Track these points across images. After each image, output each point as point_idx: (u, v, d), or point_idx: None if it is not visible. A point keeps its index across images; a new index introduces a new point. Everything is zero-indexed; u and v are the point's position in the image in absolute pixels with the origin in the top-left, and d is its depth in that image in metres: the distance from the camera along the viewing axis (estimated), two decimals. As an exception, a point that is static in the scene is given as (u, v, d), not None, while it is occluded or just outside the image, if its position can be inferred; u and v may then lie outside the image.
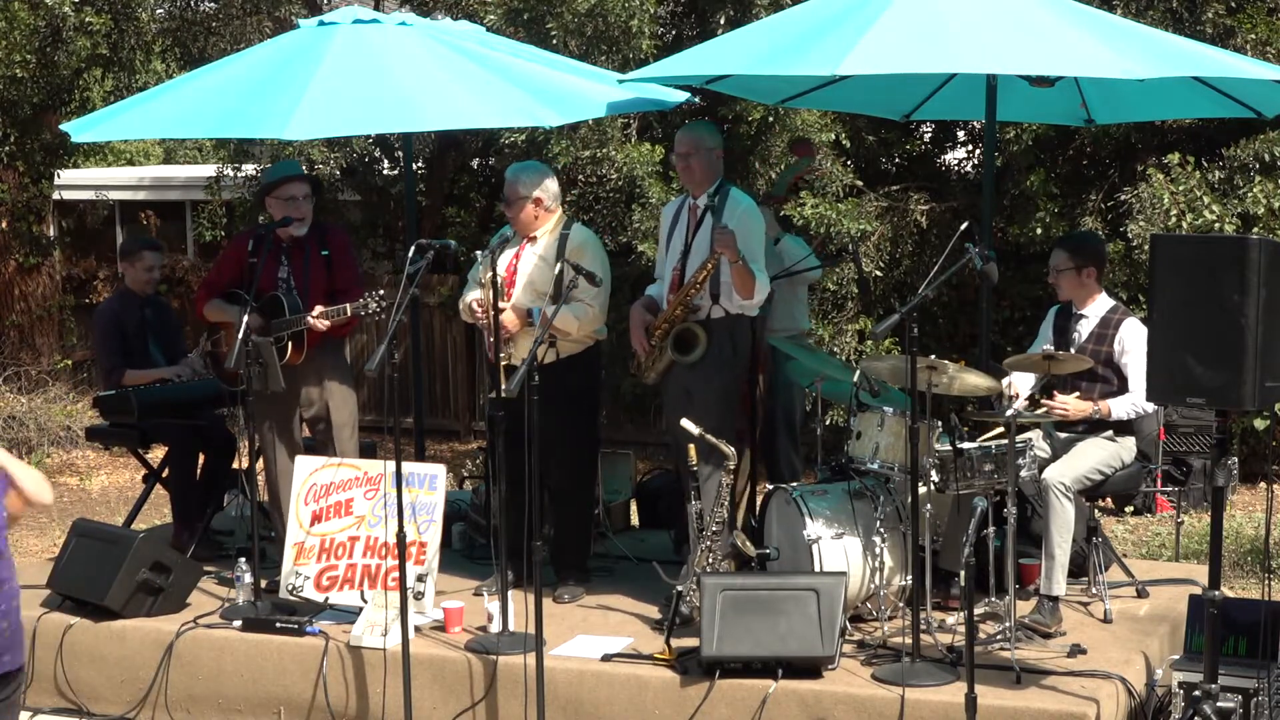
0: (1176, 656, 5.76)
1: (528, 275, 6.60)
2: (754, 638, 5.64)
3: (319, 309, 6.73)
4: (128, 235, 8.96)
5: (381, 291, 6.63)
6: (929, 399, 5.96)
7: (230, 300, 6.98)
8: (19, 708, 4.71)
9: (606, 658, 5.90)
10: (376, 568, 6.47)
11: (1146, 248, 9.47)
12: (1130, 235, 10.01)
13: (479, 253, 6.50)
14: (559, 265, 6.48)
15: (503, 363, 6.45)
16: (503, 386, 6.13)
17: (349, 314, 6.70)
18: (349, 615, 6.34)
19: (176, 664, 6.36)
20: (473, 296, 6.65)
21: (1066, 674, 5.60)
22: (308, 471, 6.72)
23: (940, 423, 6.17)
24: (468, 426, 13.96)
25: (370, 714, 6.09)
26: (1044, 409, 6.34)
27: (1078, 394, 6.36)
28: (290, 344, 6.80)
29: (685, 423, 6.13)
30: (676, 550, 7.28)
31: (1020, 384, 6.50)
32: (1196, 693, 5.09)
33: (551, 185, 6.69)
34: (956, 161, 12.41)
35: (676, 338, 6.42)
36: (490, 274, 6.34)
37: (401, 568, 5.78)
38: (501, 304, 6.42)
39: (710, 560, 6.12)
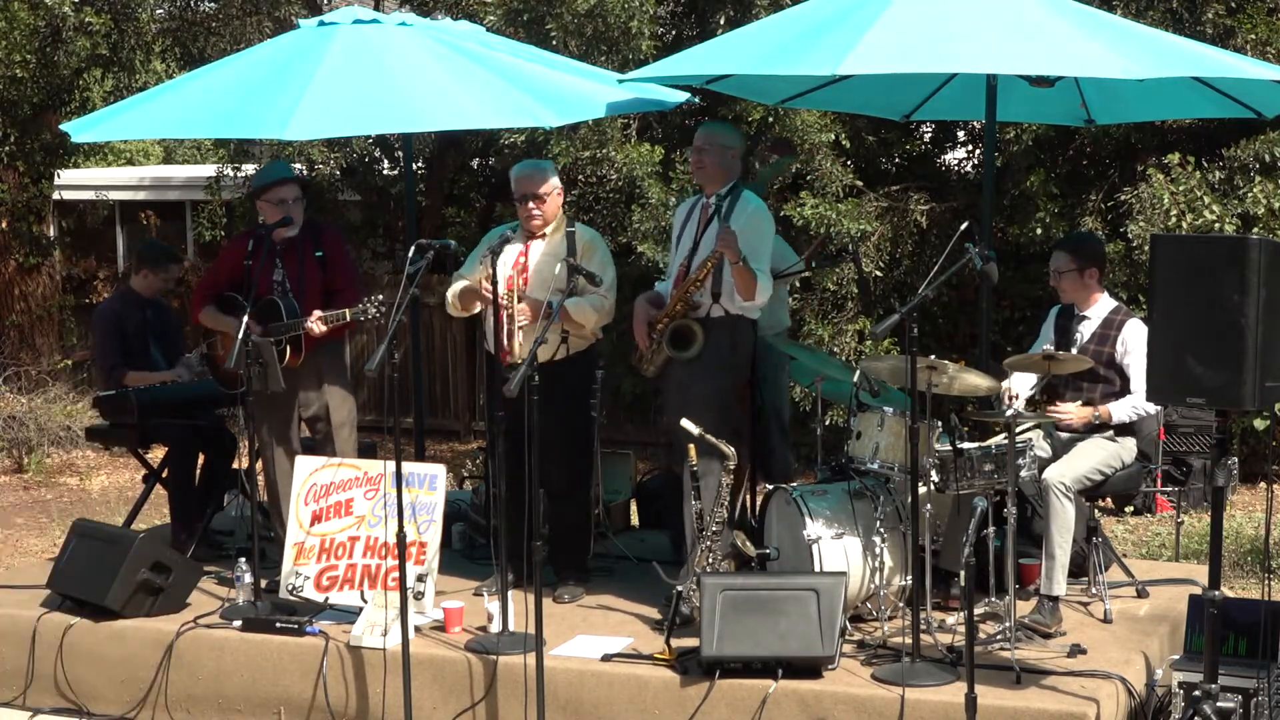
0: (1176, 656, 5.77)
1: (541, 272, 6.58)
2: (754, 638, 5.63)
3: (317, 313, 6.73)
4: (151, 243, 8.97)
5: (380, 296, 6.63)
6: (929, 399, 5.96)
7: (224, 306, 6.97)
8: None
9: (606, 658, 5.90)
10: (376, 568, 6.47)
11: (1146, 248, 9.48)
12: (1130, 235, 10.01)
13: (486, 243, 6.50)
14: (558, 265, 6.49)
15: (512, 353, 6.45)
16: (506, 386, 6.13)
17: (348, 319, 6.70)
18: (349, 615, 6.34)
19: (176, 664, 6.36)
20: (461, 285, 6.66)
21: (1066, 674, 5.60)
22: (308, 471, 6.72)
23: (940, 423, 6.17)
24: (468, 426, 13.96)
25: (370, 714, 6.09)
26: (1043, 412, 6.35)
27: (1079, 395, 6.36)
28: (288, 348, 6.80)
29: (685, 423, 6.13)
30: (675, 550, 7.27)
31: (1020, 386, 6.50)
32: (1196, 693, 5.09)
33: None
34: (956, 161, 12.41)
35: (673, 334, 6.41)
36: (491, 273, 6.34)
37: (401, 568, 5.78)
38: (505, 294, 6.43)
39: (710, 560, 6.12)
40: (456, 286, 6.71)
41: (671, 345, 6.41)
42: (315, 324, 6.71)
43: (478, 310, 6.74)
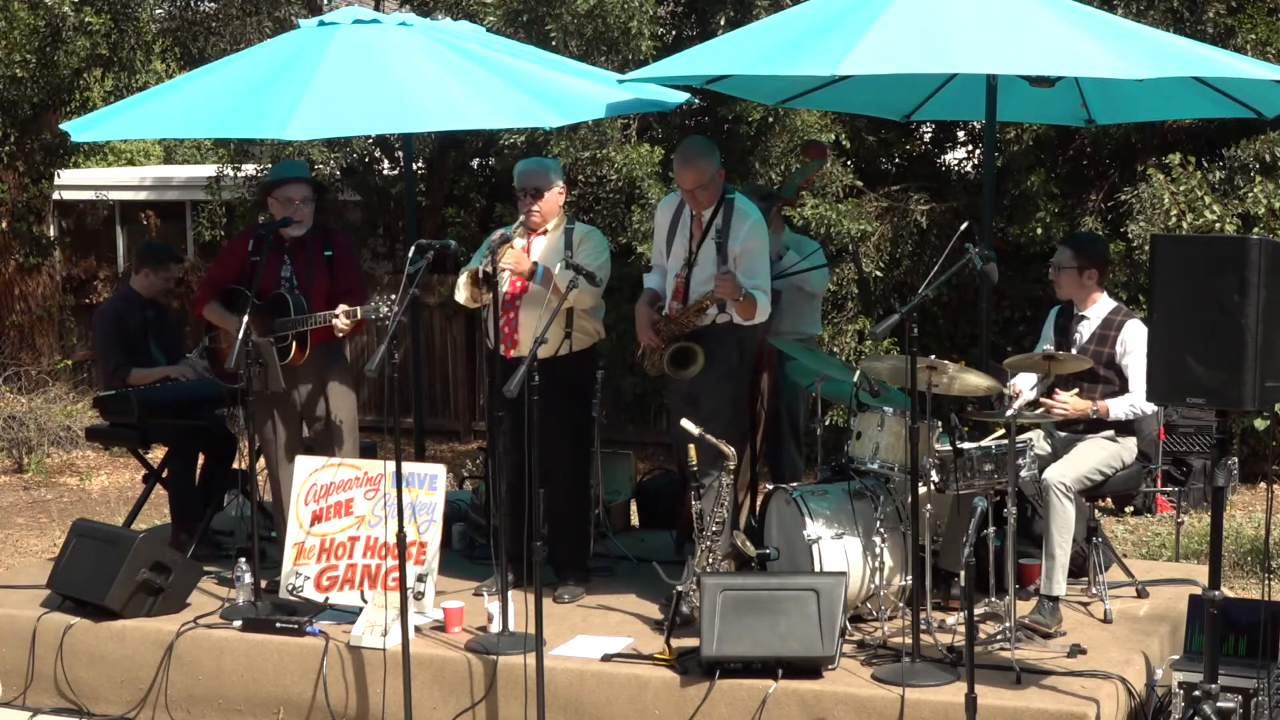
0: (1176, 656, 5.77)
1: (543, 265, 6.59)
2: (754, 638, 5.63)
3: (343, 307, 6.67)
4: (151, 243, 9.00)
5: (392, 296, 6.57)
6: (929, 399, 5.96)
7: (229, 301, 6.96)
8: None
9: (606, 658, 5.90)
10: (376, 568, 6.47)
11: (1147, 248, 9.48)
12: (1130, 235, 10.02)
13: (487, 244, 6.51)
14: (558, 265, 6.50)
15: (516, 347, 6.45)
16: (506, 386, 6.12)
17: (358, 316, 6.65)
18: (349, 615, 6.34)
19: (176, 664, 6.36)
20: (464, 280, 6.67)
21: (1066, 674, 5.60)
22: (308, 471, 6.72)
23: (940, 423, 6.17)
24: (468, 426, 13.96)
25: (370, 714, 6.09)
26: (1043, 409, 6.35)
27: (1077, 393, 6.36)
28: (294, 344, 6.79)
29: (685, 423, 6.13)
30: (677, 550, 7.28)
31: (1023, 385, 6.51)
32: (1196, 693, 5.09)
33: None
34: (956, 161, 12.42)
35: (673, 355, 6.41)
36: (492, 272, 6.34)
37: (401, 568, 5.78)
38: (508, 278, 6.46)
39: (710, 560, 6.12)
40: (464, 274, 6.70)
41: (672, 366, 6.41)
42: (341, 318, 6.65)
43: (487, 300, 6.66)
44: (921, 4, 5.90)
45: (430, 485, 6.47)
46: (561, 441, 6.55)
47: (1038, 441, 6.41)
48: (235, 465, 7.72)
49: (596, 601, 6.67)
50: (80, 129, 7.04)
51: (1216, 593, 5.03)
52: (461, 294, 6.73)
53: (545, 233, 6.68)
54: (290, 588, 6.58)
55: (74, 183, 15.92)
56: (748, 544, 6.19)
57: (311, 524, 6.63)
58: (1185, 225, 9.83)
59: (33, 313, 14.75)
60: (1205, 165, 10.30)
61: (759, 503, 6.94)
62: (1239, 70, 6.33)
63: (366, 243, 13.88)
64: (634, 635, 6.17)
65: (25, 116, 13.64)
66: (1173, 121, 10.26)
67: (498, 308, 6.46)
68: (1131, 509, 9.91)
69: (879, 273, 10.81)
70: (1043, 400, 6.38)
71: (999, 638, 5.90)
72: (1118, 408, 6.29)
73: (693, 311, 6.36)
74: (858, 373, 6.50)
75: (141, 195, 16.28)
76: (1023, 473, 6.06)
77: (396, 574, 5.90)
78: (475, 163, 13.85)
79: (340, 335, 6.74)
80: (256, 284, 6.72)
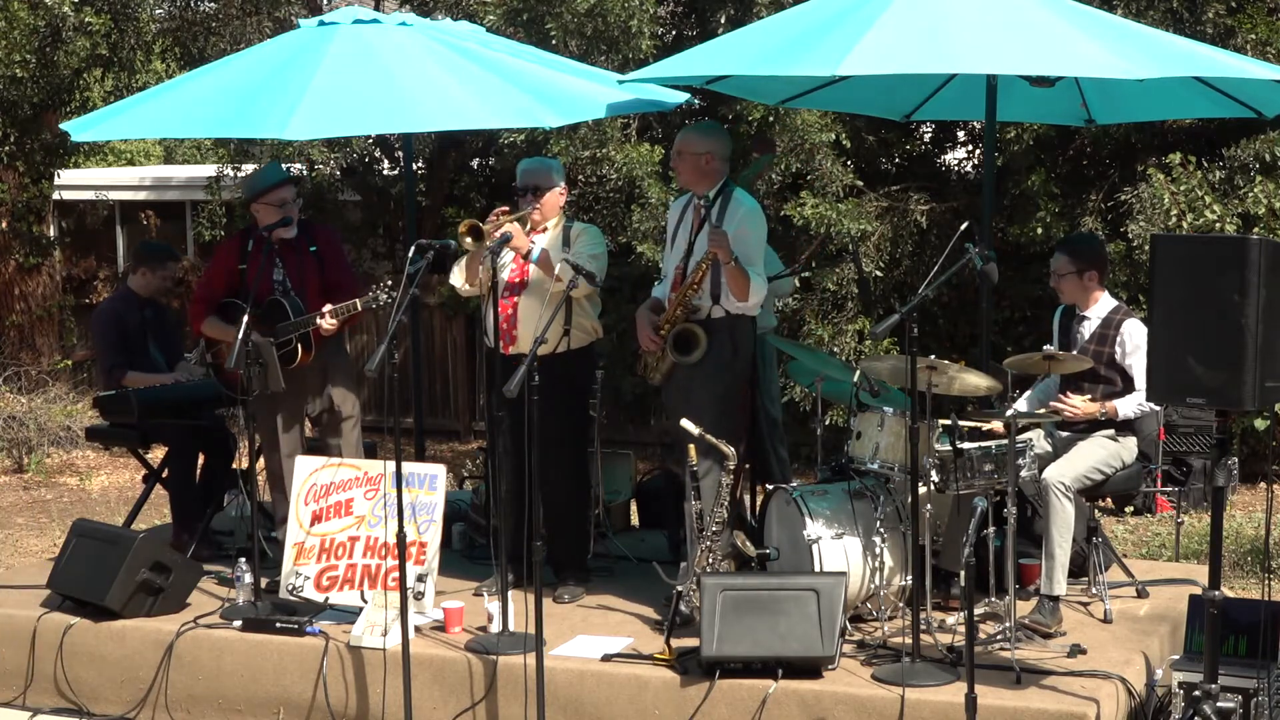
0: (1176, 656, 5.77)
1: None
2: (754, 638, 5.63)
3: (328, 308, 6.70)
4: (149, 242, 9.00)
5: (389, 282, 6.57)
6: (929, 399, 5.96)
7: (225, 315, 6.93)
8: None
9: (606, 658, 5.91)
10: (376, 568, 6.47)
11: (1147, 248, 9.48)
12: (1131, 235, 10.02)
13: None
14: (558, 264, 6.50)
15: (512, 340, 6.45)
16: (506, 386, 6.13)
17: (358, 309, 6.67)
18: (349, 615, 6.34)
19: (176, 664, 6.36)
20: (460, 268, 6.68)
21: (1066, 674, 5.60)
22: (308, 471, 6.72)
23: (940, 423, 6.17)
24: (468, 426, 13.97)
25: (370, 714, 6.09)
26: (1048, 410, 6.35)
27: (1080, 395, 6.36)
28: (299, 346, 6.79)
29: (685, 423, 6.13)
30: (672, 550, 7.27)
31: (1022, 404, 6.54)
32: (1196, 693, 5.09)
33: None
34: (956, 161, 12.41)
35: (676, 338, 6.41)
36: (491, 274, 6.34)
37: (401, 568, 5.78)
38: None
39: (710, 560, 6.12)
40: (461, 261, 6.70)
41: (675, 350, 6.41)
42: (327, 319, 6.68)
43: (486, 281, 6.64)
44: (921, 4, 5.90)
45: (430, 485, 6.47)
46: (560, 440, 6.56)
47: (1038, 441, 6.41)
48: (235, 465, 7.72)
49: (596, 601, 6.67)
50: (80, 129, 7.04)
51: (1216, 593, 5.03)
52: (457, 278, 6.73)
53: (544, 231, 6.70)
54: (290, 588, 6.58)
55: (74, 183, 15.93)
56: (748, 544, 6.19)
57: (311, 524, 6.63)
58: (1185, 225, 9.83)
59: (33, 313, 14.75)
60: (1205, 165, 10.30)
61: (759, 503, 6.94)
62: (1239, 70, 6.33)
63: (366, 243, 13.88)
64: (634, 635, 6.17)
65: (25, 116, 13.64)
66: (1173, 121, 10.26)
67: (496, 304, 6.45)
68: (1131, 509, 9.91)
69: (879, 273, 10.81)
70: (1051, 403, 6.39)
71: (999, 638, 5.90)
72: (1126, 407, 6.29)
73: (689, 286, 6.35)
74: (858, 373, 6.50)
75: (141, 195, 16.29)
76: (1023, 473, 6.06)
77: (396, 574, 5.90)
78: (475, 163, 13.86)
79: (328, 331, 6.74)
80: (255, 290, 6.71)
